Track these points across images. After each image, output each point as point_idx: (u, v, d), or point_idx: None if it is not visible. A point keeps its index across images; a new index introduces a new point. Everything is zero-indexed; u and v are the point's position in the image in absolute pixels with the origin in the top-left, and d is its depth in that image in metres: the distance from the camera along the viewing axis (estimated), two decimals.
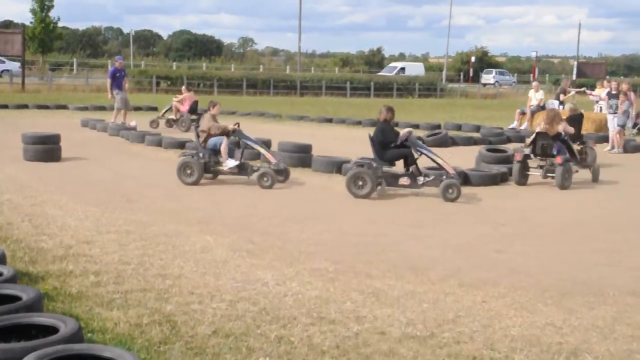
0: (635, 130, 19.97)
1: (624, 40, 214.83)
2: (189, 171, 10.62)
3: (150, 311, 5.02)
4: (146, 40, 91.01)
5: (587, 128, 19.72)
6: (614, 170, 13.48)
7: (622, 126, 16.86)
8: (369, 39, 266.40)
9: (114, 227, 7.61)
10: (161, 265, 6.23)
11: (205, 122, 11.14)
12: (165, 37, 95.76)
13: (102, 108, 23.76)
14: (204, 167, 10.77)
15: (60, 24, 53.01)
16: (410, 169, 10.29)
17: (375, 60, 74.24)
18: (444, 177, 10.14)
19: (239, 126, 11.32)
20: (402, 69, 57.33)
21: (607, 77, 35.93)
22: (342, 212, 8.99)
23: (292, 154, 12.57)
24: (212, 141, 10.99)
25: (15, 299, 4.32)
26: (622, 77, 58.25)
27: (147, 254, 6.59)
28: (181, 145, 14.55)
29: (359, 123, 22.36)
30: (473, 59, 65.73)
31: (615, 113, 16.82)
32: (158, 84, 40.58)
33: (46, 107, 24.66)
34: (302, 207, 9.33)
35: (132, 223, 7.84)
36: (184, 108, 18.71)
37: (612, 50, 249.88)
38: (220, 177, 11.23)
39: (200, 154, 10.89)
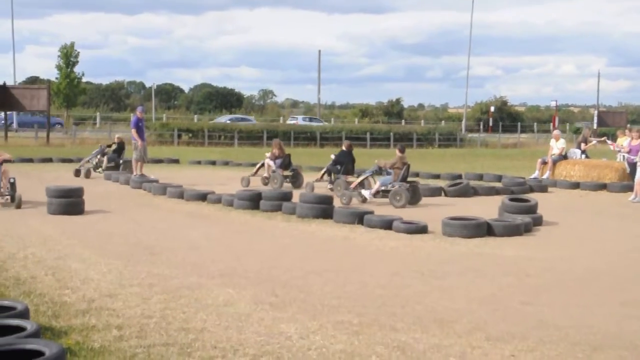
0: None
1: None
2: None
3: None
4: (168, 94, 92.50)
5: (610, 177, 19.58)
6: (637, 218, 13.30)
7: None
8: (388, 89, 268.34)
9: (136, 280, 7.60)
10: (184, 319, 6.18)
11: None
12: (186, 91, 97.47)
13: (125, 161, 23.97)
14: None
15: (84, 79, 54.28)
16: None
17: (395, 110, 74.57)
18: None
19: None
20: None
21: (629, 125, 35.76)
22: (364, 264, 8.92)
23: (314, 205, 12.53)
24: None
25: (39, 354, 4.30)
26: None
27: (169, 307, 6.56)
28: (203, 197, 14.66)
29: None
30: (492, 108, 65.94)
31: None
32: (179, 136, 41.12)
33: (70, 160, 24.97)
34: (324, 259, 9.27)
35: (155, 276, 7.83)
36: None
37: (631, 98, 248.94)
38: (238, 228, 11.31)
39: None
